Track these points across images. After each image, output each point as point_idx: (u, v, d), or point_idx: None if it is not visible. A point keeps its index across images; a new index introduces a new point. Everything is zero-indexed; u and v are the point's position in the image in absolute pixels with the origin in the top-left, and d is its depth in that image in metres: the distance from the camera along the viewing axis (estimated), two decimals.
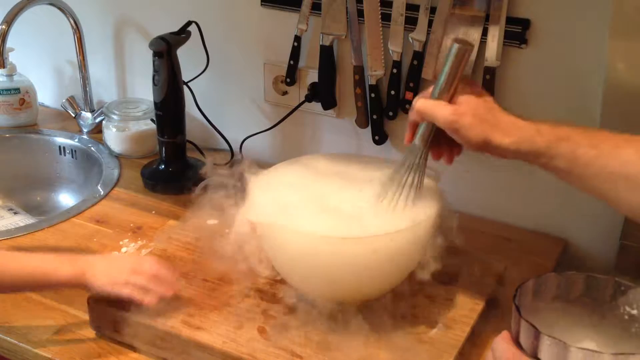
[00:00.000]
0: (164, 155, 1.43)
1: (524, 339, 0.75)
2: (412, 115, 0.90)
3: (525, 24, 1.17)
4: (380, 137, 1.35)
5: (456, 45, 0.87)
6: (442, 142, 0.91)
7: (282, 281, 1.02)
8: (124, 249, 1.23)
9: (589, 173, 0.80)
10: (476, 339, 0.99)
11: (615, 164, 0.79)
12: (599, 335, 0.82)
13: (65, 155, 1.61)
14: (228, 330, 0.96)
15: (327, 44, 1.33)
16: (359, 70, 1.32)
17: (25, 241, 1.25)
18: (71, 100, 1.65)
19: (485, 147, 0.85)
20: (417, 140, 0.91)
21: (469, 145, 0.86)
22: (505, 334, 0.77)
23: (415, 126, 0.91)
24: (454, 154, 0.93)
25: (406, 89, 1.29)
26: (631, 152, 0.78)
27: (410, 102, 1.29)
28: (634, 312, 0.81)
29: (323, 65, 1.35)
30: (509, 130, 0.84)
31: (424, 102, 0.87)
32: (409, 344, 0.94)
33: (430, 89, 0.90)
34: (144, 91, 1.55)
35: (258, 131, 1.46)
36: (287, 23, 1.37)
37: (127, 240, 1.25)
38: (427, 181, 0.96)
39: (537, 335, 0.73)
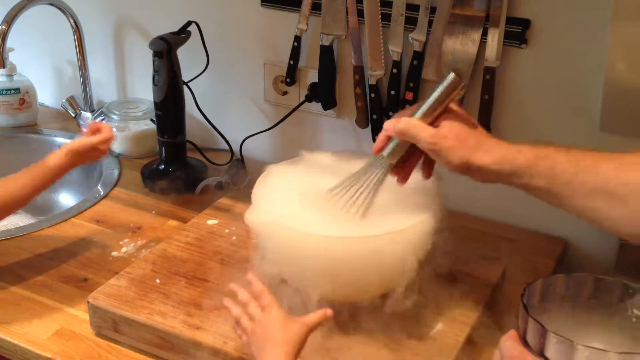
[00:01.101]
0: (164, 155, 1.43)
1: (530, 337, 0.75)
2: (388, 131, 0.90)
3: (525, 24, 1.17)
4: None
5: (452, 75, 0.88)
6: (413, 161, 0.92)
7: (282, 281, 1.02)
8: (123, 249, 1.23)
9: (569, 191, 0.80)
10: (476, 339, 0.99)
11: (594, 180, 0.79)
12: (606, 336, 0.81)
13: None
14: (228, 330, 0.96)
15: (327, 44, 1.33)
16: (359, 70, 1.32)
17: (25, 241, 1.25)
18: (71, 100, 1.65)
19: (467, 169, 0.85)
20: (387, 154, 0.91)
21: (450, 167, 0.86)
22: (512, 333, 0.77)
23: (387, 140, 0.91)
24: (423, 175, 0.94)
25: (406, 89, 1.29)
26: (609, 167, 0.78)
27: (410, 102, 1.29)
28: None
29: (323, 65, 1.35)
30: (491, 150, 0.84)
31: (407, 122, 0.88)
32: (409, 344, 0.94)
33: (409, 109, 0.91)
34: (144, 91, 1.55)
35: (258, 131, 1.46)
36: (287, 23, 1.37)
37: (127, 240, 1.25)
38: (427, 181, 0.96)
39: (543, 333, 0.73)
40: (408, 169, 0.93)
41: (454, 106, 0.89)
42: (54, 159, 1.14)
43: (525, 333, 0.76)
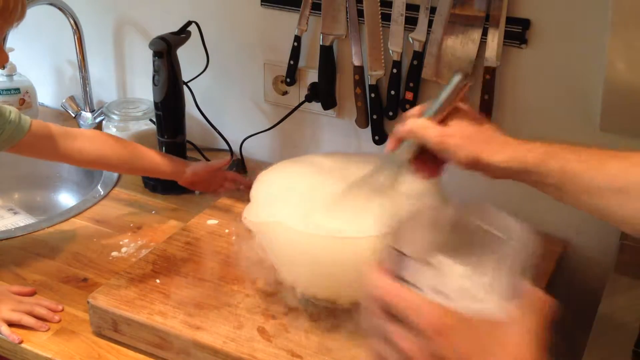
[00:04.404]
0: None
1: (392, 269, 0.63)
2: (400, 132, 0.91)
3: (525, 24, 1.17)
4: (380, 137, 1.35)
5: (459, 74, 0.88)
6: (425, 159, 0.92)
7: (282, 281, 1.02)
8: (123, 249, 1.23)
9: (579, 188, 0.81)
10: None
11: (603, 178, 0.79)
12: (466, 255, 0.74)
13: None
14: (228, 330, 0.96)
15: (327, 44, 1.33)
16: (359, 70, 1.32)
17: (25, 241, 1.25)
18: (71, 100, 1.65)
19: (475, 165, 0.86)
20: (401, 153, 0.91)
21: (459, 165, 0.87)
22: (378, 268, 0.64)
23: (398, 142, 0.92)
24: (432, 174, 0.94)
25: (406, 89, 1.29)
26: (617, 165, 0.79)
27: (410, 102, 1.29)
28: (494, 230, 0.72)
29: (323, 65, 1.35)
30: (500, 148, 0.85)
31: (414, 122, 0.88)
32: None
33: (418, 110, 0.91)
34: (144, 91, 1.55)
35: (258, 131, 1.46)
36: (287, 23, 1.37)
37: (127, 240, 1.25)
38: (427, 182, 0.96)
39: (392, 252, 0.63)
40: (429, 165, 0.92)
41: (462, 105, 0.90)
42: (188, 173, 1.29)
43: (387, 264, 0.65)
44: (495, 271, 0.60)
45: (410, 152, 0.91)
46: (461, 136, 0.86)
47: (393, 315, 0.59)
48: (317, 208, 0.96)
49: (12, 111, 1.13)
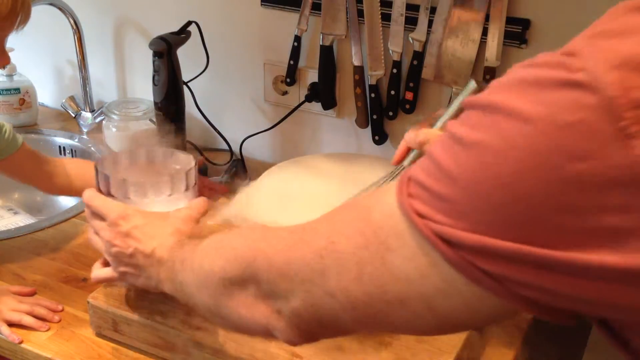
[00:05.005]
0: None
1: (102, 188, 0.96)
2: (409, 143, 0.91)
3: (525, 24, 1.17)
4: (380, 137, 1.35)
5: (473, 83, 0.87)
6: None
7: None
8: None
9: None
10: (476, 339, 0.99)
11: None
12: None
13: (65, 155, 1.61)
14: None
15: (327, 44, 1.33)
16: (359, 70, 1.32)
17: (25, 241, 1.25)
18: (71, 100, 1.65)
19: None
20: (408, 164, 0.91)
21: None
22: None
23: (407, 151, 0.92)
24: None
25: (406, 89, 1.29)
26: None
27: (410, 102, 1.29)
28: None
29: (323, 65, 1.35)
30: None
31: (428, 133, 0.88)
32: (409, 344, 0.94)
33: (429, 119, 0.91)
34: (144, 91, 1.55)
35: (258, 131, 1.46)
36: (287, 23, 1.37)
37: None
38: None
39: (102, 175, 0.96)
40: None
41: None
42: None
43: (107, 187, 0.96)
44: (170, 185, 0.97)
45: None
46: None
47: (98, 216, 0.90)
48: (315, 209, 0.96)
49: (8, 129, 1.15)
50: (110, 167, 1.01)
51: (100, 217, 0.89)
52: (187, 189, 0.99)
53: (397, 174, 0.92)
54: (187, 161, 1.03)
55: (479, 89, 0.88)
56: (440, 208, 0.47)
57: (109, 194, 0.95)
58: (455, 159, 0.46)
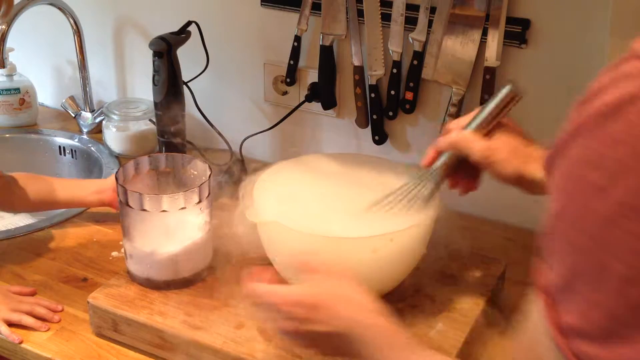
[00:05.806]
0: None
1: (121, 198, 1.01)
2: (440, 145, 0.90)
3: (525, 24, 1.17)
4: (380, 137, 1.35)
5: (509, 87, 0.87)
6: (461, 174, 0.92)
7: (283, 281, 1.02)
8: (124, 249, 1.22)
9: None
10: (476, 339, 0.99)
11: None
12: None
13: (65, 155, 1.61)
14: (228, 330, 0.96)
15: (327, 44, 1.33)
16: (359, 70, 1.32)
17: (25, 241, 1.25)
18: (71, 100, 1.65)
19: (519, 181, 0.86)
20: (439, 167, 0.91)
21: (502, 179, 0.87)
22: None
23: (437, 154, 0.92)
24: (470, 188, 0.94)
25: (406, 89, 1.29)
26: None
27: (410, 102, 1.29)
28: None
29: (323, 65, 1.35)
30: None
31: (461, 134, 0.88)
32: None
33: (462, 119, 0.91)
34: (144, 91, 1.55)
35: (258, 131, 1.45)
36: (287, 23, 1.37)
37: None
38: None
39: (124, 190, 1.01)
40: (466, 180, 0.93)
41: (504, 119, 0.89)
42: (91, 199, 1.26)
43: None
44: (184, 197, 1.02)
45: (449, 168, 0.91)
46: (507, 150, 0.85)
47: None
48: (316, 209, 0.96)
49: None
50: (131, 173, 1.09)
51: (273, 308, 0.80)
52: (200, 200, 1.03)
53: (427, 178, 0.92)
54: (203, 169, 1.08)
55: (515, 94, 0.87)
56: None
57: (127, 204, 1.02)
58: None
